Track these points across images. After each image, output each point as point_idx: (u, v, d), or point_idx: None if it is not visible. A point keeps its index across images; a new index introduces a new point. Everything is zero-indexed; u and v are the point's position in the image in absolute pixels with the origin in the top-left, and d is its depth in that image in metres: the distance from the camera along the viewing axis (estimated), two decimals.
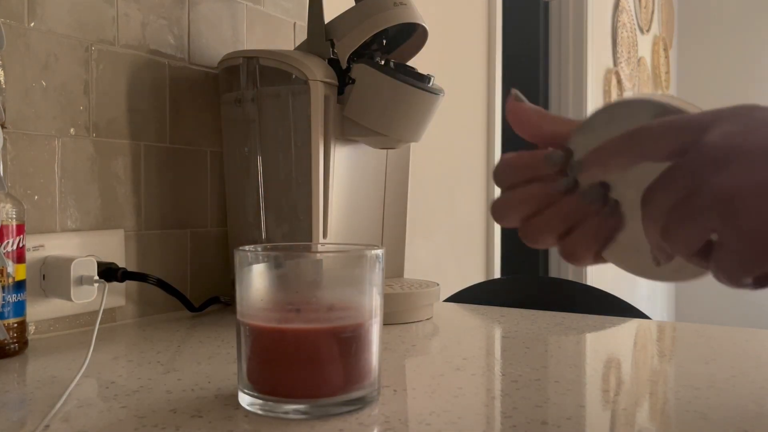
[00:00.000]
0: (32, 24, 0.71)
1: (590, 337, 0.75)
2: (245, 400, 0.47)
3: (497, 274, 1.90)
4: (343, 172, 0.86)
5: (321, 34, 0.82)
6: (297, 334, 0.45)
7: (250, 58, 0.83)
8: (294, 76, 0.79)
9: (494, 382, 0.56)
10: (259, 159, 0.84)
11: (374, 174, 0.93)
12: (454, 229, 1.73)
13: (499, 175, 0.41)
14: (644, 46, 3.30)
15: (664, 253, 0.35)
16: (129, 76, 0.81)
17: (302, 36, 1.04)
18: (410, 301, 0.81)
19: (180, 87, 0.87)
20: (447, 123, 1.65)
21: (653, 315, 2.61)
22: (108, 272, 0.74)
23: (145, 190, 0.83)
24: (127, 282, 0.78)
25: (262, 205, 0.84)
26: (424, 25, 0.86)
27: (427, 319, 0.83)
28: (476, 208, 1.84)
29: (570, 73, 2.62)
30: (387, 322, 0.77)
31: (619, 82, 2.92)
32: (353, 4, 0.83)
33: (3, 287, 0.61)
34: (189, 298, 0.84)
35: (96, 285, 0.73)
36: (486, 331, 0.79)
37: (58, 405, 0.47)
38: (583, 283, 2.13)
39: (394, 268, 0.95)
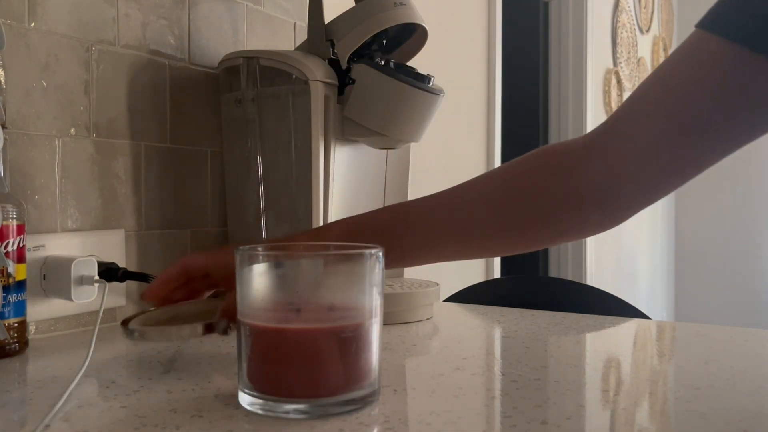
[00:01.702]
0: (32, 24, 0.71)
1: (590, 337, 0.75)
2: (245, 399, 0.47)
3: (497, 274, 1.90)
4: (343, 172, 0.86)
5: (321, 34, 0.82)
6: (297, 334, 0.45)
7: (251, 58, 0.83)
8: (294, 77, 0.79)
9: (494, 382, 0.56)
10: (259, 159, 0.84)
11: (374, 174, 0.93)
12: None
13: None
14: (644, 46, 3.30)
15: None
16: (129, 76, 0.81)
17: (302, 36, 1.05)
18: (410, 301, 0.81)
19: (180, 87, 0.87)
20: (447, 123, 1.65)
21: (653, 315, 2.61)
22: (108, 272, 0.74)
23: (145, 190, 0.83)
24: (128, 282, 0.78)
25: (262, 205, 0.84)
26: (424, 25, 0.86)
27: (427, 319, 0.83)
28: None
29: (570, 73, 2.62)
30: (387, 322, 0.77)
31: (619, 82, 2.92)
32: (353, 4, 0.83)
33: (4, 287, 0.61)
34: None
35: (96, 285, 0.73)
36: (486, 331, 0.79)
37: (59, 405, 0.47)
38: (583, 283, 2.13)
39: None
